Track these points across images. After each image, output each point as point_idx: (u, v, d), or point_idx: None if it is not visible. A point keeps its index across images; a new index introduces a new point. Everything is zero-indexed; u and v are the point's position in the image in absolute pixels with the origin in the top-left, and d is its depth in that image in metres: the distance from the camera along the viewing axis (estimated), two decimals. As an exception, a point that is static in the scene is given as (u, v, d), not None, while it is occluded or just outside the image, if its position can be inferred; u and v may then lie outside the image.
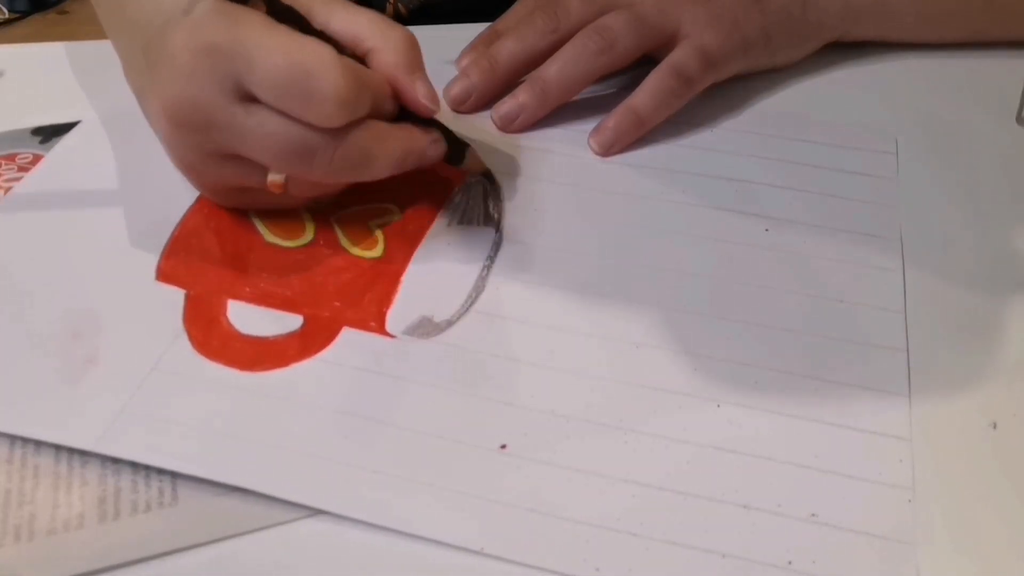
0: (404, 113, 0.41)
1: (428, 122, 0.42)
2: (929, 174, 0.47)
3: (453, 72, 0.51)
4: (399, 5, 0.63)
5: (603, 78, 0.49)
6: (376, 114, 0.39)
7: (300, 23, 0.38)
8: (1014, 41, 0.54)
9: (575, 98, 0.49)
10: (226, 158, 0.39)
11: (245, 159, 0.38)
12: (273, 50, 0.36)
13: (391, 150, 0.39)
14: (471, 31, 0.53)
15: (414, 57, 0.40)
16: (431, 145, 0.42)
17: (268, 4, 0.38)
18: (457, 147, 0.43)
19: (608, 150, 0.47)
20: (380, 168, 0.40)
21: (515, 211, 0.44)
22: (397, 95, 0.40)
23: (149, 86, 0.39)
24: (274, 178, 0.39)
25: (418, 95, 0.40)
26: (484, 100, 0.49)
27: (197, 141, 0.38)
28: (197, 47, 0.36)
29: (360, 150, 0.38)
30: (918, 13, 0.53)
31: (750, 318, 0.40)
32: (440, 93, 0.50)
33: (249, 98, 0.37)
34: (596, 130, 0.48)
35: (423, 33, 0.56)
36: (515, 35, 0.49)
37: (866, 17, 0.53)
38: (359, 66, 0.38)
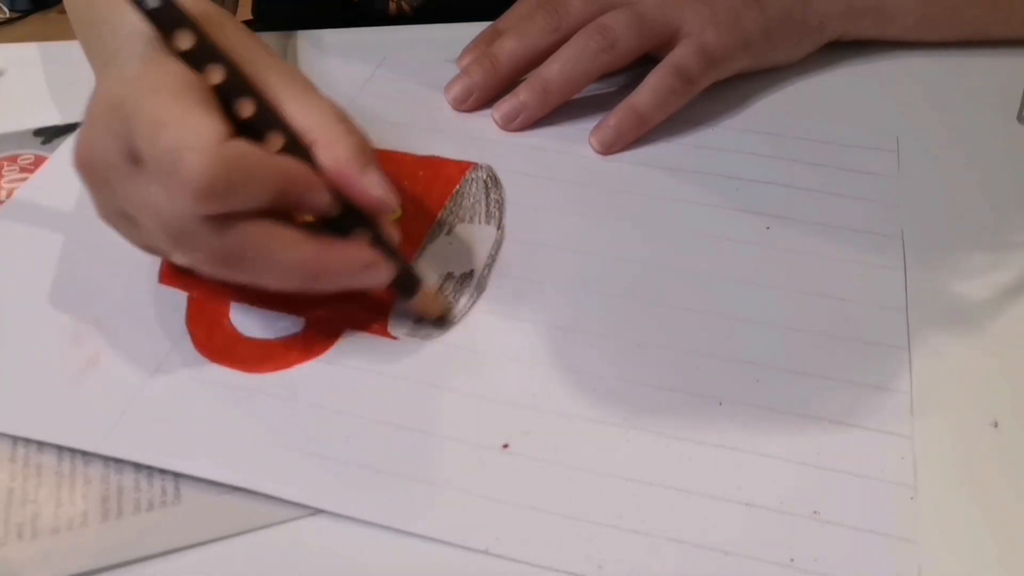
0: (353, 220, 0.36)
1: (383, 244, 0.37)
2: (930, 172, 0.47)
3: (455, 71, 0.51)
4: (403, 3, 0.63)
5: (603, 77, 0.49)
6: (288, 212, 0.35)
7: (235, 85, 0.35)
8: (1015, 40, 0.54)
9: (576, 97, 0.49)
10: (130, 220, 0.36)
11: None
12: (157, 121, 0.33)
13: (293, 259, 0.34)
14: (473, 29, 0.53)
15: (367, 152, 0.36)
16: (364, 270, 0.36)
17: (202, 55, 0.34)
18: (408, 278, 0.38)
19: (609, 148, 0.47)
20: (279, 275, 0.35)
21: (516, 210, 0.44)
22: (344, 193, 0.35)
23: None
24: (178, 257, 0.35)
25: (365, 187, 0.35)
26: (485, 99, 0.49)
27: (103, 197, 0.36)
28: (107, 100, 0.34)
29: (248, 248, 0.34)
30: (919, 13, 0.53)
31: (751, 316, 0.40)
32: (441, 92, 0.50)
33: (140, 162, 0.34)
34: (597, 128, 0.48)
35: (425, 33, 0.56)
36: (516, 34, 0.49)
37: (867, 17, 0.53)
38: (248, 157, 0.33)
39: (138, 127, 0.33)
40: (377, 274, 0.36)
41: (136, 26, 0.35)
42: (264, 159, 0.34)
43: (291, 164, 0.34)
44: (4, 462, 0.35)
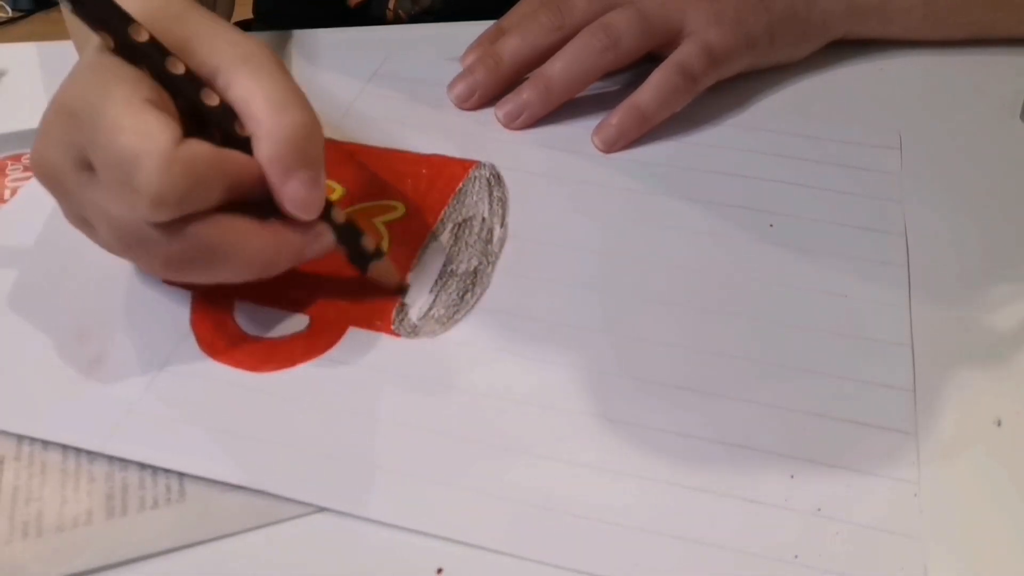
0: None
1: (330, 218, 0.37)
2: (933, 170, 0.47)
3: (458, 69, 0.51)
4: (399, 12, 0.63)
5: (606, 75, 0.49)
6: (248, 204, 0.35)
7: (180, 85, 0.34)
8: (1018, 39, 0.54)
9: (579, 95, 0.49)
10: (90, 225, 0.36)
11: None
12: (109, 128, 0.32)
13: (251, 250, 0.35)
14: (474, 29, 0.53)
15: (297, 151, 0.34)
16: (311, 241, 0.36)
17: (165, 73, 0.34)
18: (358, 252, 0.39)
19: (612, 147, 0.47)
20: (237, 268, 0.35)
21: (519, 207, 0.44)
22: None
23: None
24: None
25: (283, 198, 0.34)
26: (488, 97, 0.49)
27: (62, 203, 0.36)
28: (59, 106, 0.34)
29: (204, 248, 0.34)
30: (923, 12, 0.53)
31: (754, 313, 0.40)
32: (444, 91, 0.50)
33: (93, 169, 0.33)
34: (600, 127, 0.48)
35: (426, 32, 0.56)
36: (519, 32, 0.49)
37: (871, 16, 0.53)
38: (201, 159, 0.33)
39: (90, 135, 0.32)
40: (325, 240, 0.37)
41: (94, 36, 0.35)
42: (216, 159, 0.33)
43: (241, 160, 0.34)
44: (9, 460, 0.35)
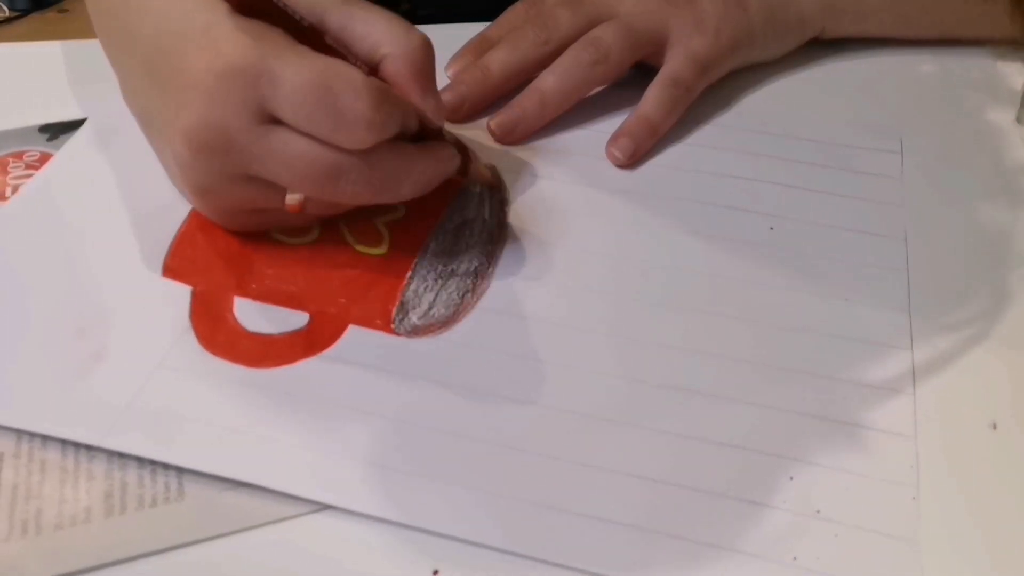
0: (421, 127, 0.40)
1: (439, 132, 0.41)
2: (933, 173, 0.47)
3: (442, 76, 0.51)
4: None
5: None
6: (403, 132, 0.38)
7: (317, 39, 0.37)
8: (984, 41, 0.55)
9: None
10: (245, 180, 0.38)
11: (264, 181, 0.38)
12: (299, 72, 0.35)
13: (418, 173, 0.39)
14: (474, 31, 0.53)
15: (425, 66, 0.39)
16: (449, 159, 0.41)
17: (284, 21, 0.36)
18: (463, 157, 0.43)
19: (631, 157, 0.47)
20: (406, 191, 0.39)
21: (520, 208, 0.45)
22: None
23: (162, 110, 0.38)
24: (292, 198, 0.38)
25: (426, 110, 0.40)
26: (476, 109, 0.50)
27: (218, 165, 0.37)
28: (221, 70, 0.35)
29: (387, 173, 0.38)
30: (895, 11, 0.54)
31: (755, 316, 0.40)
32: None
33: (273, 120, 0.36)
34: (614, 140, 0.48)
35: (429, 32, 0.56)
36: (507, 45, 0.50)
37: (845, 14, 0.54)
38: (386, 87, 0.37)
39: (276, 85, 0.35)
40: (457, 161, 0.42)
41: (187, 5, 0.37)
42: (391, 89, 0.38)
43: (396, 89, 0.38)
44: (8, 458, 0.35)
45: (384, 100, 0.36)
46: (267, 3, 0.36)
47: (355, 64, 0.37)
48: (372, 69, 0.39)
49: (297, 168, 0.37)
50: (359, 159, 0.37)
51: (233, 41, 0.36)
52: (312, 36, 0.37)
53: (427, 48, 0.40)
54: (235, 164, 0.37)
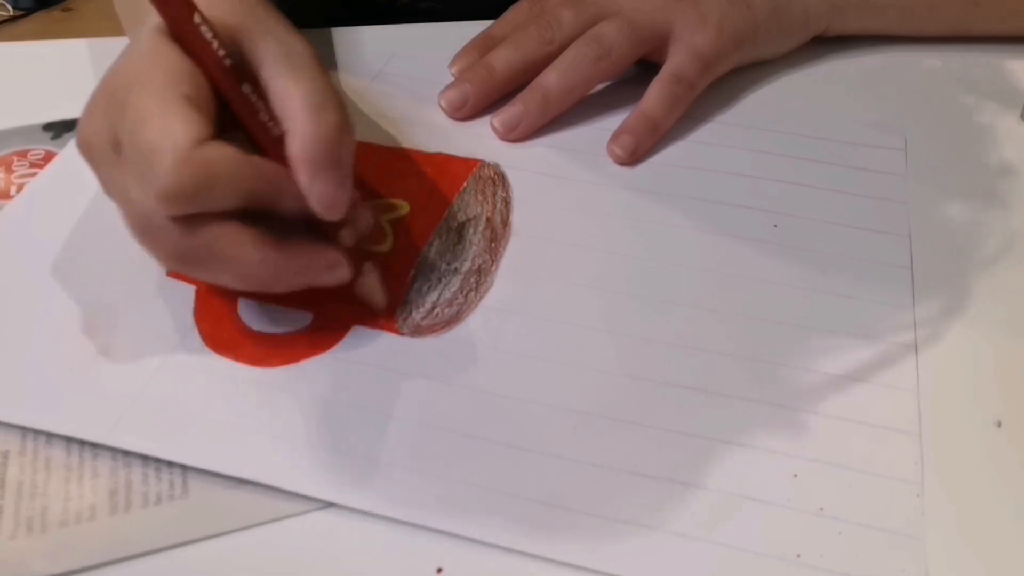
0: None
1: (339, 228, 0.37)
2: (938, 171, 0.47)
3: (447, 75, 0.51)
4: None
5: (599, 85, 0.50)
6: (280, 213, 0.35)
7: (234, 82, 0.35)
8: (994, 37, 0.55)
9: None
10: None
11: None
12: (137, 117, 0.33)
13: (250, 261, 0.34)
14: (481, 28, 0.53)
15: (324, 153, 0.34)
16: (322, 269, 0.36)
17: (209, 55, 0.34)
18: (354, 270, 0.38)
19: (632, 155, 0.47)
20: (235, 277, 0.35)
21: (523, 206, 0.44)
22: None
23: None
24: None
25: (309, 197, 0.34)
26: (480, 107, 0.50)
27: (98, 176, 0.36)
28: (105, 84, 0.35)
29: (206, 249, 0.34)
30: (900, 7, 0.54)
31: (759, 313, 0.40)
32: (436, 99, 0.50)
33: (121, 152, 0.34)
34: (615, 138, 0.48)
35: (432, 31, 0.56)
36: (511, 44, 0.50)
37: (849, 11, 0.53)
38: (227, 161, 0.33)
39: (123, 117, 0.34)
40: (339, 273, 0.37)
41: (154, 18, 0.36)
42: (236, 163, 0.33)
43: (265, 167, 0.34)
44: (14, 456, 0.35)
45: (200, 175, 0.32)
46: (196, 35, 0.34)
47: (266, 122, 0.35)
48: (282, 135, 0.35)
49: (122, 206, 0.35)
50: (173, 224, 0.33)
51: (129, 64, 0.35)
52: (231, 77, 0.35)
53: (335, 134, 0.35)
54: (103, 181, 0.36)
